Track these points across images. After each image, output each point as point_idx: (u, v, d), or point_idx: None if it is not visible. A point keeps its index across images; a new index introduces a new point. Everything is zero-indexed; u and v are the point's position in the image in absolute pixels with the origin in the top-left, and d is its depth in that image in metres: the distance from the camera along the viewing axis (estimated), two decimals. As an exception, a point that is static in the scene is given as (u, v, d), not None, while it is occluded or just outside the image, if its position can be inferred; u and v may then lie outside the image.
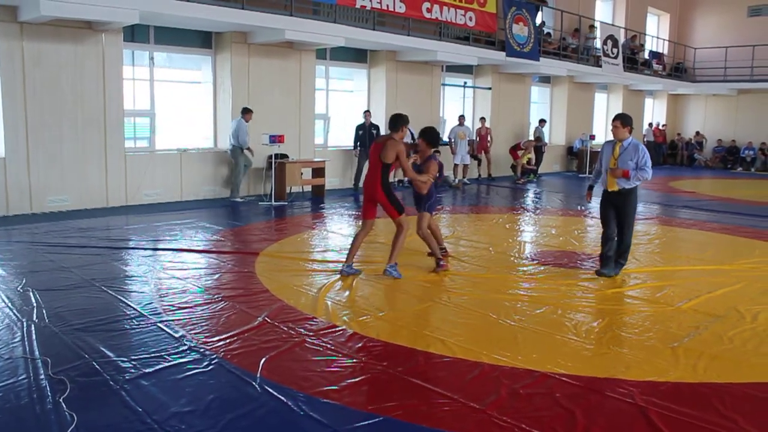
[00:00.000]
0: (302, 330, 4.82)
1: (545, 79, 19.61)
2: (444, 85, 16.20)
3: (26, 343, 4.41)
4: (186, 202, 11.13)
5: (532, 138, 17.60)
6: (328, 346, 4.52)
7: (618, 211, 6.55)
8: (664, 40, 24.48)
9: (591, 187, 7.17)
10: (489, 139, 16.29)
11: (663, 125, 24.43)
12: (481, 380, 4.01)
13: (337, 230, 9.18)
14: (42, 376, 3.87)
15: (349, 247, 6.66)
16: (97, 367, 4.04)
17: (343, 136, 14.43)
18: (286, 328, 4.84)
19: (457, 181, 15.10)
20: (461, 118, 15.47)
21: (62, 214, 9.47)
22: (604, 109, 22.10)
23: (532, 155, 17.03)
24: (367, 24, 12.63)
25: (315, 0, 11.44)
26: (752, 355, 4.56)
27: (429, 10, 13.34)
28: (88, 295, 5.59)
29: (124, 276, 6.32)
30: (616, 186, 6.46)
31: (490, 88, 17.05)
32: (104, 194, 10.28)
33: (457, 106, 16.94)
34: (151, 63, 11.23)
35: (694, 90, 24.10)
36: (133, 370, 4.00)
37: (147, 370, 4.01)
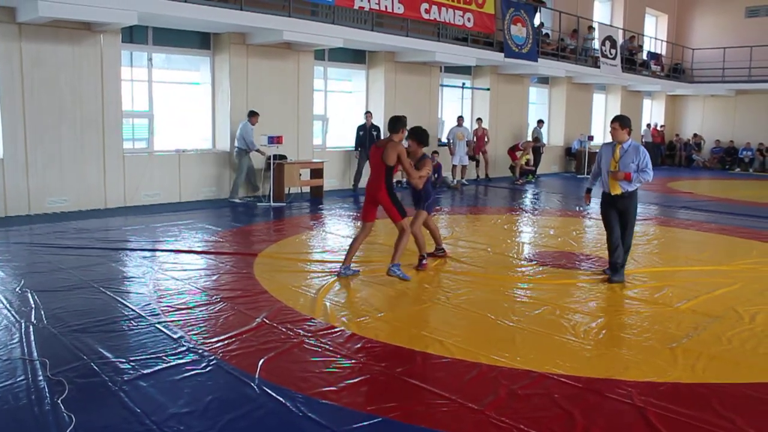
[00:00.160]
0: (301, 331, 4.82)
1: (543, 80, 19.63)
2: (442, 86, 16.21)
3: (24, 344, 4.41)
4: (184, 203, 11.12)
5: (530, 139, 17.61)
6: (327, 347, 4.52)
7: (620, 213, 6.47)
8: (662, 41, 24.52)
9: (589, 190, 7.08)
10: (486, 139, 16.30)
11: (661, 126, 24.46)
12: (480, 381, 4.01)
13: (336, 231, 9.18)
14: (40, 378, 3.86)
15: (347, 248, 6.66)
16: (95, 368, 4.03)
17: (342, 137, 14.43)
18: (284, 329, 4.84)
19: (455, 182, 15.10)
20: (460, 119, 15.49)
21: (61, 215, 9.46)
22: (602, 109, 22.13)
23: (531, 156, 17.05)
24: (366, 25, 12.64)
25: (313, 1, 11.44)
26: (750, 356, 4.56)
27: (427, 11, 13.34)
28: (86, 296, 5.59)
29: (122, 277, 6.31)
30: (619, 189, 6.36)
31: (488, 89, 17.07)
32: (103, 195, 10.28)
33: (456, 107, 16.97)
34: (149, 64, 11.22)
35: (692, 91, 24.14)
36: (131, 371, 4.00)
37: (145, 371, 4.01)
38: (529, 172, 17.02)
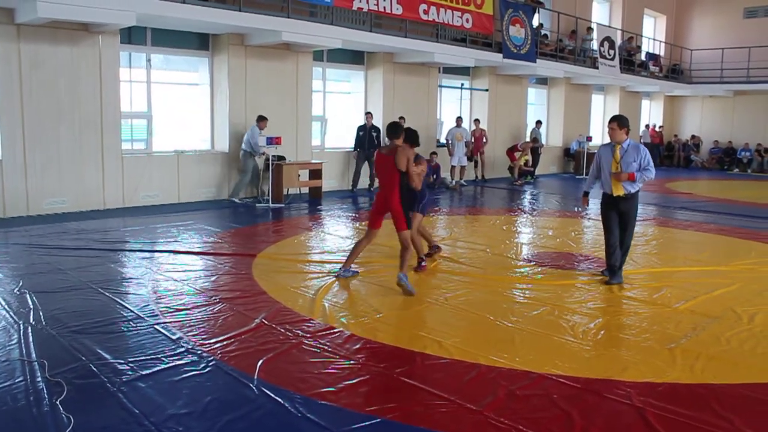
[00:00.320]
0: (300, 332, 4.82)
1: (542, 81, 19.65)
2: (441, 86, 16.22)
3: (23, 345, 4.41)
4: (183, 204, 11.11)
5: (528, 139, 17.62)
6: (326, 347, 4.52)
7: (622, 215, 6.40)
8: (660, 41, 24.54)
9: (587, 193, 6.96)
10: (484, 140, 16.30)
11: (660, 127, 24.49)
12: (479, 381, 4.02)
13: (335, 232, 9.18)
14: (39, 379, 3.86)
15: (347, 250, 6.65)
16: (94, 369, 4.03)
17: (341, 138, 14.43)
18: (283, 330, 4.84)
19: (454, 182, 15.11)
20: (459, 119, 15.50)
21: (59, 216, 9.45)
22: (600, 110, 22.14)
23: (529, 156, 17.06)
24: (364, 26, 12.64)
25: (312, 2, 11.44)
26: (749, 356, 4.57)
27: (426, 12, 13.35)
28: (85, 297, 5.58)
29: (121, 278, 6.31)
30: (622, 190, 6.29)
31: (487, 90, 17.09)
32: (101, 196, 10.27)
33: (454, 108, 16.97)
34: (148, 65, 11.22)
35: (691, 91, 24.17)
36: (130, 372, 4.00)
37: (144, 372, 4.01)
38: (528, 173, 17.03)
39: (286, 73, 12.53)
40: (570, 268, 7.27)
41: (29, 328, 4.74)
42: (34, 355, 4.23)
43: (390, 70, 14.46)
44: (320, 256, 7.53)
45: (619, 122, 6.30)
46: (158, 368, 4.09)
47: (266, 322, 5.02)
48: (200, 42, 11.79)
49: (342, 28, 12.02)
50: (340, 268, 6.48)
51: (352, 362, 4.27)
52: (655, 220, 10.87)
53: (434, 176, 14.17)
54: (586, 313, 5.53)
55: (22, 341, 4.48)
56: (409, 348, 4.57)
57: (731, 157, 23.31)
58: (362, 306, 5.59)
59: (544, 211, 11.98)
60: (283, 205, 11.31)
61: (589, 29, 19.75)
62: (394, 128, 6.22)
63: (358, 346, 4.57)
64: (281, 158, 11.84)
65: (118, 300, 5.52)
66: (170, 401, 3.63)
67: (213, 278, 6.38)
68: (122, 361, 4.16)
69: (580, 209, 11.85)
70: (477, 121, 16.47)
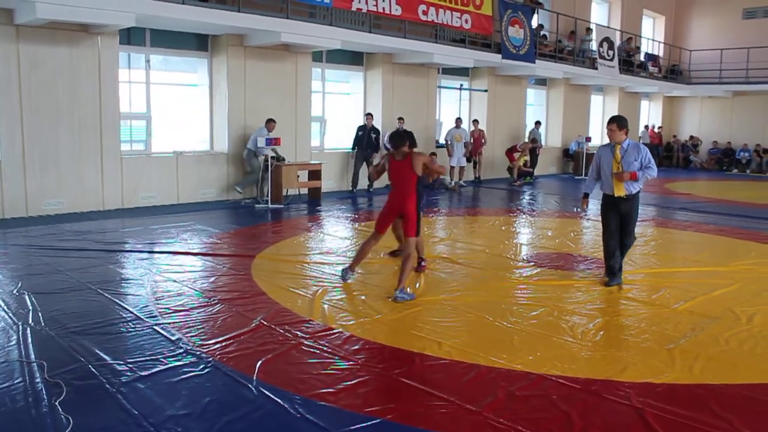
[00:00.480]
0: (299, 333, 4.82)
1: (541, 82, 19.65)
2: (440, 87, 16.22)
3: (22, 346, 4.41)
4: (182, 204, 11.11)
5: (527, 140, 17.62)
6: (325, 348, 4.52)
7: (623, 216, 6.35)
8: (659, 42, 24.56)
9: (586, 195, 6.82)
10: (483, 141, 16.30)
11: (659, 127, 24.50)
12: (478, 382, 4.02)
13: (334, 233, 9.18)
14: (38, 380, 3.86)
15: (346, 250, 6.64)
16: (93, 370, 4.03)
17: (340, 139, 14.43)
18: (282, 331, 4.84)
19: (453, 183, 15.12)
20: (458, 120, 15.51)
21: (58, 217, 9.45)
22: (600, 111, 22.14)
23: (528, 157, 17.06)
24: (363, 26, 12.64)
25: (311, 2, 11.45)
26: (748, 357, 4.57)
27: (425, 13, 13.35)
28: (84, 298, 5.58)
29: (120, 279, 6.31)
30: (623, 191, 6.23)
31: (486, 91, 17.09)
32: (100, 197, 10.27)
33: (453, 109, 16.97)
34: (147, 66, 11.22)
35: (690, 92, 24.18)
36: (129, 373, 4.00)
37: (143, 373, 4.01)
38: (527, 174, 17.04)
39: (285, 74, 12.53)
40: (569, 268, 7.27)
41: (28, 329, 4.74)
42: (33, 356, 4.23)
43: (389, 70, 14.46)
44: (319, 257, 7.53)
45: (618, 123, 6.26)
46: (157, 369, 4.08)
47: (265, 322, 5.02)
48: (199, 43, 11.79)
49: (341, 28, 12.02)
50: (344, 271, 6.40)
51: (351, 363, 4.27)
52: (654, 221, 10.87)
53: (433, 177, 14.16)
54: (585, 313, 5.54)
55: (21, 342, 4.47)
56: (408, 349, 4.57)
57: (730, 157, 23.33)
58: (361, 307, 5.58)
59: (543, 211, 11.98)
60: (282, 206, 11.31)
61: (588, 30, 19.76)
62: (399, 138, 6.24)
63: (357, 347, 4.57)
64: (280, 159, 11.84)
65: (117, 301, 5.52)
66: (169, 402, 3.63)
67: (212, 279, 6.37)
68: (121, 362, 4.16)
69: (579, 210, 11.85)
70: (476, 121, 16.47)
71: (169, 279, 6.30)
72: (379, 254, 7.52)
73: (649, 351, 4.62)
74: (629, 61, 21.20)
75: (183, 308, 5.36)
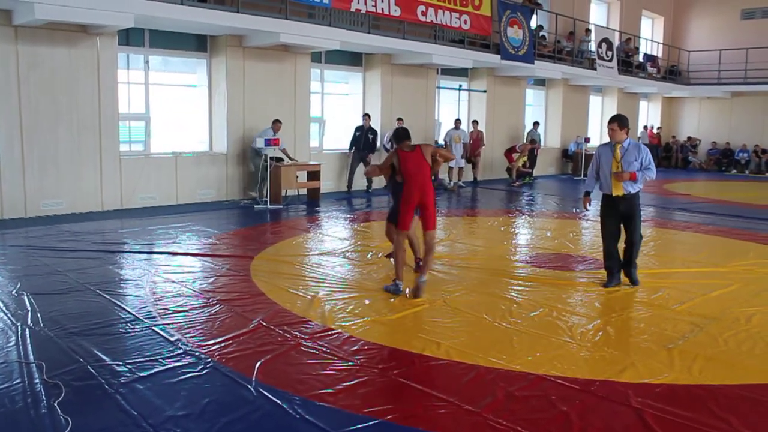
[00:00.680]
0: (298, 333, 4.82)
1: (540, 82, 19.67)
2: (439, 88, 16.23)
3: (21, 347, 4.40)
4: (181, 205, 11.10)
5: (526, 141, 17.62)
6: (324, 349, 4.52)
7: (624, 216, 6.29)
8: (658, 43, 24.58)
9: (588, 193, 6.74)
10: (482, 142, 16.29)
11: (658, 128, 24.52)
12: (477, 383, 4.02)
13: (333, 233, 9.18)
14: (37, 381, 3.86)
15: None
16: (92, 371, 4.03)
17: (339, 140, 14.43)
18: (281, 332, 4.84)
19: (452, 184, 15.13)
20: (457, 121, 15.52)
21: (57, 218, 9.44)
22: (598, 111, 22.16)
23: (526, 158, 17.06)
24: (362, 27, 12.64)
25: (310, 3, 11.45)
26: (746, 357, 4.58)
27: (424, 14, 13.36)
28: (82, 299, 5.58)
29: (119, 280, 6.31)
30: (621, 190, 6.18)
31: (485, 91, 17.10)
32: (99, 198, 10.26)
33: (452, 109, 16.97)
34: (146, 66, 11.22)
35: (689, 93, 24.20)
36: (128, 374, 4.00)
37: (142, 374, 4.00)
38: (526, 174, 17.04)
39: (284, 75, 12.53)
40: (568, 269, 7.27)
41: (27, 330, 4.74)
42: (32, 357, 4.22)
43: (388, 71, 14.47)
44: (318, 257, 7.53)
45: (619, 122, 6.20)
46: (156, 370, 4.08)
47: (264, 323, 5.02)
48: (198, 43, 11.79)
49: (340, 29, 12.03)
50: (394, 285, 6.05)
51: (350, 364, 4.27)
52: (653, 221, 10.87)
53: (433, 177, 14.17)
54: (584, 314, 5.54)
55: (20, 343, 4.47)
56: (407, 349, 4.57)
57: (729, 158, 23.35)
58: (360, 307, 5.58)
59: (542, 212, 11.99)
60: (281, 207, 11.31)
61: (587, 30, 19.78)
62: (405, 132, 6.30)
63: (356, 348, 4.57)
64: (279, 159, 11.85)
65: (116, 302, 5.52)
66: (168, 403, 3.63)
67: (211, 280, 6.37)
68: (120, 363, 4.16)
69: (580, 210, 11.85)
70: (475, 122, 16.48)
71: (168, 280, 6.30)
72: (378, 254, 7.53)
73: (648, 351, 4.62)
74: (628, 62, 21.21)
75: (182, 309, 5.36)
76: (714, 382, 4.10)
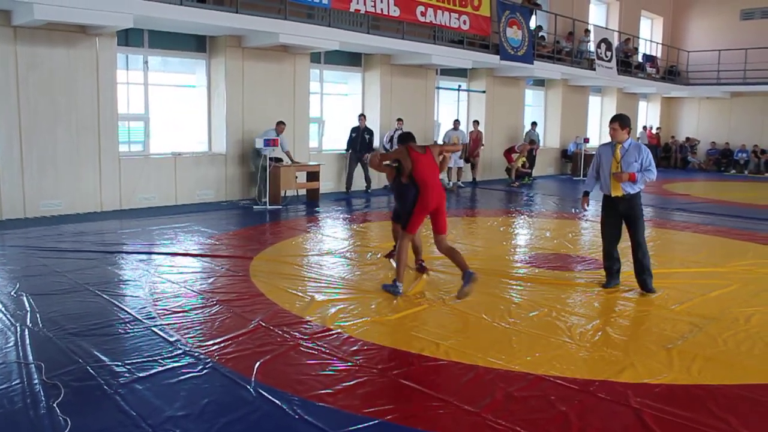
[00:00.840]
0: (297, 334, 4.82)
1: (539, 82, 19.67)
2: (438, 88, 16.23)
3: (20, 347, 4.40)
4: (180, 206, 11.10)
5: (525, 141, 17.62)
6: (323, 349, 4.52)
7: (625, 217, 6.23)
8: (657, 43, 24.59)
9: (587, 194, 6.68)
10: (481, 143, 16.29)
11: (657, 128, 24.53)
12: (476, 383, 4.02)
13: (332, 234, 9.17)
14: (36, 381, 3.86)
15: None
16: (91, 371, 4.03)
17: (338, 141, 14.43)
18: (280, 332, 4.84)
19: (451, 184, 15.13)
20: (456, 122, 15.53)
21: (56, 219, 9.44)
22: (598, 112, 22.18)
23: (525, 158, 17.06)
24: (362, 27, 12.64)
25: (309, 3, 11.45)
26: (746, 357, 4.58)
27: (423, 14, 13.36)
28: (82, 299, 5.57)
29: (118, 280, 6.30)
30: (621, 191, 6.11)
31: (484, 92, 17.10)
32: (98, 198, 10.26)
33: (452, 110, 16.98)
34: (145, 67, 11.21)
35: (688, 93, 24.21)
36: (127, 375, 4.00)
37: (141, 375, 4.00)
38: (526, 175, 17.05)
39: (284, 75, 12.53)
40: (567, 269, 7.27)
41: (26, 330, 4.74)
42: (31, 358, 4.22)
43: (387, 71, 14.47)
44: (318, 258, 7.53)
45: (620, 122, 6.13)
46: (155, 370, 4.08)
47: (263, 324, 5.02)
48: (197, 44, 11.78)
49: (339, 30, 12.02)
50: (393, 285, 6.01)
51: (349, 364, 4.27)
52: (653, 222, 10.86)
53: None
54: (583, 314, 5.54)
55: (19, 344, 4.47)
56: (406, 350, 4.57)
57: (728, 158, 23.36)
58: (360, 308, 5.58)
59: (541, 212, 11.99)
60: (280, 207, 11.31)
61: (587, 31, 19.79)
62: (411, 135, 6.31)
63: (355, 348, 4.57)
64: (279, 160, 11.85)
65: (116, 302, 5.51)
66: (167, 403, 3.63)
67: (210, 280, 6.37)
68: (119, 364, 4.16)
69: (578, 210, 11.85)
70: (476, 122, 16.48)
71: (167, 280, 6.30)
72: (377, 255, 7.53)
73: (647, 352, 4.62)
74: (627, 62, 21.22)
75: (181, 309, 5.36)
76: (713, 382, 4.10)
